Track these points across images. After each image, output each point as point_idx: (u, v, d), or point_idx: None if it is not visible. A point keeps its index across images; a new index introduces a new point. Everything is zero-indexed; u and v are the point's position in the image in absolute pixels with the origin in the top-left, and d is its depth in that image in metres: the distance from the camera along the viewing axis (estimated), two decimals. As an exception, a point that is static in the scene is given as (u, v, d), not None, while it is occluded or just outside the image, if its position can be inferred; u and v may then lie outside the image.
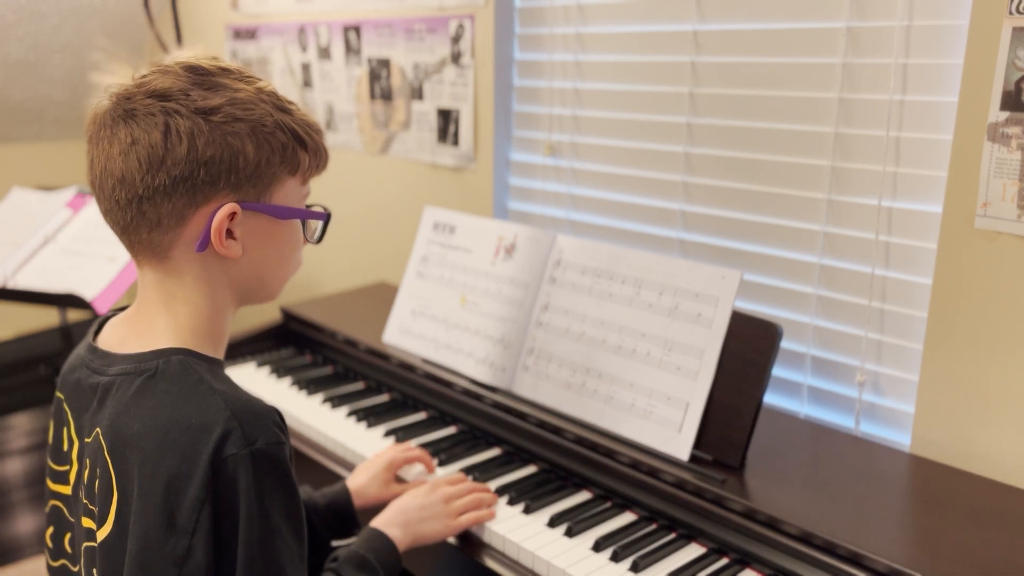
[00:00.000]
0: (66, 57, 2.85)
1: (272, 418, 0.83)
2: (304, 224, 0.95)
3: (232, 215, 0.85)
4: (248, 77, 0.89)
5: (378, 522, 1.14)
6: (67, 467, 0.94)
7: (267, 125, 0.86)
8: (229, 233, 0.87)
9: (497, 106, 1.94)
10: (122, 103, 0.84)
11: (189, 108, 0.83)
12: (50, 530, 0.99)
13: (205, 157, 0.82)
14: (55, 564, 0.98)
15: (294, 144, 0.88)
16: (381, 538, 1.10)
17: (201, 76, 0.85)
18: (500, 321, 1.50)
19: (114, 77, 0.88)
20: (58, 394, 0.95)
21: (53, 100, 2.98)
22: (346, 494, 1.25)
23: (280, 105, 0.89)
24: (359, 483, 1.27)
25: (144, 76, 0.86)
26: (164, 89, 0.84)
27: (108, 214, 0.88)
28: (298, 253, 0.96)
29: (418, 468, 1.35)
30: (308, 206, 0.95)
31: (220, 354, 0.92)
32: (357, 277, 2.41)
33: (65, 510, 0.95)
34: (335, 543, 1.26)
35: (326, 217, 0.96)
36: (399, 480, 1.33)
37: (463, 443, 1.45)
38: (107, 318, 0.96)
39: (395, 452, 1.33)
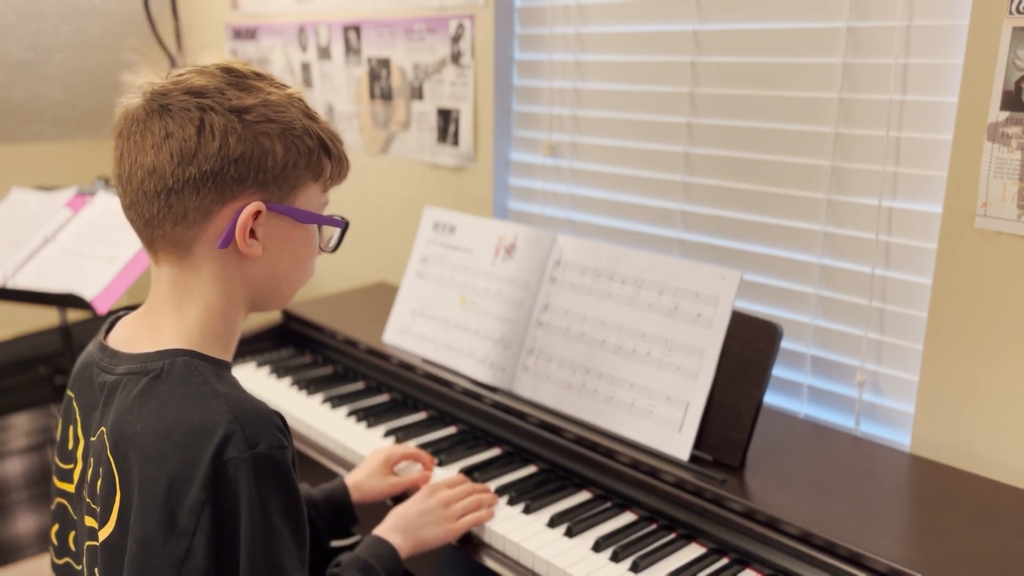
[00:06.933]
0: (66, 57, 2.85)
1: (274, 421, 0.84)
2: (320, 233, 0.96)
3: (257, 214, 0.87)
4: (278, 83, 0.92)
5: (380, 530, 1.14)
6: (72, 465, 0.94)
7: (296, 129, 0.88)
8: (252, 232, 0.88)
9: (497, 106, 1.94)
10: (157, 99, 0.86)
11: (224, 106, 0.85)
12: (55, 527, 0.99)
13: (236, 154, 0.85)
14: (59, 562, 0.98)
15: (320, 150, 0.91)
16: (383, 544, 1.10)
17: (236, 77, 0.88)
18: (500, 321, 1.50)
19: (142, 77, 0.90)
20: (68, 392, 0.96)
21: (53, 100, 2.98)
22: (344, 489, 1.25)
23: (308, 112, 0.92)
24: (357, 478, 1.28)
25: (180, 74, 0.88)
26: (201, 87, 0.86)
27: (133, 207, 0.88)
28: (312, 260, 0.97)
29: (416, 467, 1.35)
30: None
31: (228, 356, 0.92)
32: (357, 277, 2.41)
33: (70, 508, 0.95)
34: (335, 543, 1.26)
35: (344, 225, 0.98)
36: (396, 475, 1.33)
37: (463, 443, 1.45)
38: (119, 316, 0.97)
39: (393, 448, 1.35)
